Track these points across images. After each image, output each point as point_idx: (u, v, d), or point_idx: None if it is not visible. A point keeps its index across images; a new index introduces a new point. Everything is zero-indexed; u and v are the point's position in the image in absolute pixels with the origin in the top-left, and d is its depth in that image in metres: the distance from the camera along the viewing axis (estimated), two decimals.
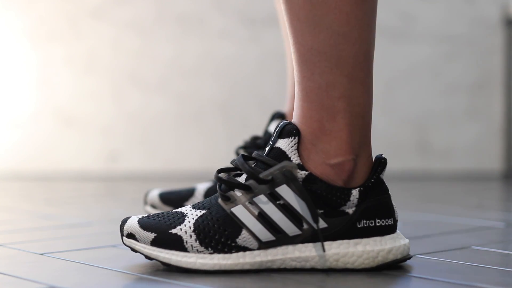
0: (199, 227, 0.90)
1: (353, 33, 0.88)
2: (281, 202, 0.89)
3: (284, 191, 0.89)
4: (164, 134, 2.31)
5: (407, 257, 0.92)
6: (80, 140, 2.29)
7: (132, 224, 0.92)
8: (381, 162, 0.91)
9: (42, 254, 1.02)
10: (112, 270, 0.92)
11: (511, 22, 2.34)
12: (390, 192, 0.92)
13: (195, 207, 0.93)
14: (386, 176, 0.94)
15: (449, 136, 2.33)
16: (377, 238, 0.90)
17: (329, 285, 0.84)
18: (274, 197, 0.89)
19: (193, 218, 0.91)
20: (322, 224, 0.89)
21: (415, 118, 2.33)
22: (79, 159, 2.29)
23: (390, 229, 0.91)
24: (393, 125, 2.32)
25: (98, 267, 0.94)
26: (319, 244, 0.89)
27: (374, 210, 0.90)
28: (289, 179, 0.89)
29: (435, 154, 2.33)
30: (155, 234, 0.91)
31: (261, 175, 0.90)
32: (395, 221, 0.92)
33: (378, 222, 0.90)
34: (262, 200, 0.89)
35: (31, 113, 2.29)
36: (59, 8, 2.29)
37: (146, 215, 0.95)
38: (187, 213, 0.92)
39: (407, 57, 2.33)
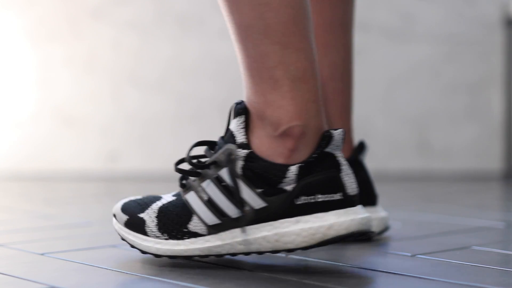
0: (161, 213, 0.94)
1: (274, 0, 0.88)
2: (225, 184, 0.90)
3: (226, 173, 0.90)
4: (163, 134, 2.31)
5: (357, 233, 0.87)
6: (80, 140, 2.29)
7: (117, 206, 1.00)
8: (325, 137, 0.88)
9: (42, 254, 1.02)
10: (112, 270, 0.92)
11: (511, 22, 2.34)
12: (344, 167, 0.88)
13: (174, 194, 0.97)
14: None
15: (449, 136, 2.33)
16: (319, 214, 0.87)
17: (330, 285, 0.84)
18: (219, 181, 0.91)
19: (162, 204, 0.95)
20: (261, 203, 0.88)
21: (415, 118, 2.33)
22: (79, 159, 2.29)
23: (336, 204, 0.87)
24: (393, 125, 2.32)
25: (98, 267, 0.94)
26: (263, 225, 0.89)
27: (316, 186, 0.87)
28: (228, 161, 0.90)
29: (435, 154, 2.33)
30: (128, 217, 0.97)
31: (207, 160, 0.92)
32: (347, 195, 0.88)
33: (320, 198, 0.87)
34: (209, 185, 0.91)
35: (31, 113, 2.29)
36: (59, 8, 2.29)
37: (138, 197, 1.00)
38: (162, 198, 0.97)
39: (407, 57, 2.33)
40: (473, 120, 2.34)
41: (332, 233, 0.87)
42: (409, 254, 1.01)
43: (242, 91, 2.32)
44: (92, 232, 1.22)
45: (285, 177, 0.87)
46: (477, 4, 2.33)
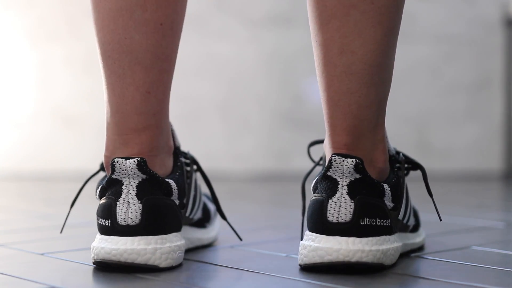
0: None
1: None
2: None
3: None
4: None
5: (104, 263, 0.90)
6: (79, 139, 2.29)
7: None
8: (111, 165, 0.91)
9: (42, 254, 1.02)
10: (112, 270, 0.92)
11: (511, 22, 2.34)
12: (126, 196, 0.89)
13: None
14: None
15: (449, 136, 2.33)
16: (97, 235, 0.92)
17: (328, 285, 0.83)
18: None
19: None
20: None
21: (414, 118, 2.33)
22: (78, 159, 2.29)
23: (105, 230, 0.91)
24: (393, 124, 2.32)
25: (98, 267, 0.94)
26: None
27: (98, 209, 0.92)
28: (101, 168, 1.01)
29: (435, 154, 2.33)
30: None
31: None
32: (115, 224, 0.89)
33: (99, 221, 0.92)
34: None
35: (30, 113, 2.29)
36: (58, 9, 2.29)
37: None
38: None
39: (407, 57, 2.33)
40: (473, 120, 2.34)
41: (93, 255, 0.91)
42: (408, 254, 1.01)
43: (241, 91, 2.32)
44: (91, 232, 1.22)
45: (96, 195, 0.93)
46: (477, 4, 2.33)
